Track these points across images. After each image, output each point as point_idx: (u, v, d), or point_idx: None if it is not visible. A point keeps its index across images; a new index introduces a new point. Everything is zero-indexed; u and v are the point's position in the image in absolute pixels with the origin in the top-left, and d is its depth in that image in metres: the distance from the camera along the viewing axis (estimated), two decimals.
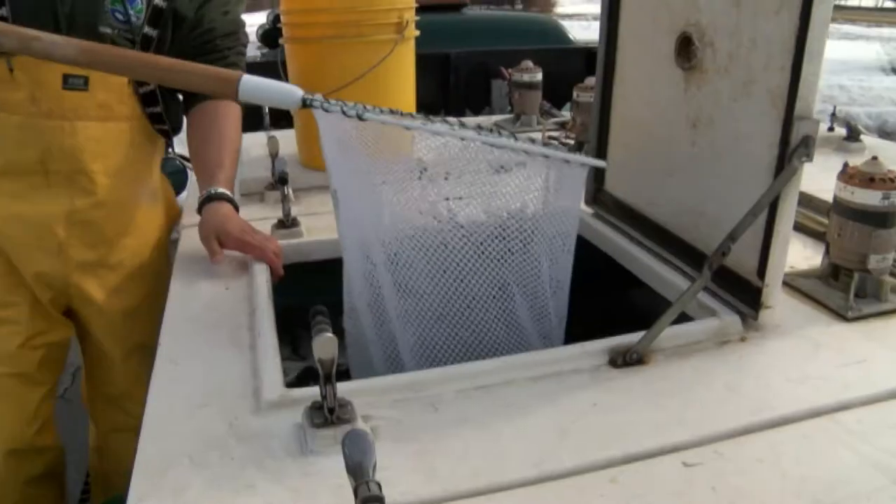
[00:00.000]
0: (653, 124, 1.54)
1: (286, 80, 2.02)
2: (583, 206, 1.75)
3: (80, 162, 1.55)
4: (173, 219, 1.87)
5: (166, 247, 1.82)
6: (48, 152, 1.53)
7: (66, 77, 1.51)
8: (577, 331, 1.33)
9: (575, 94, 2.21)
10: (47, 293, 1.64)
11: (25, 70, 1.48)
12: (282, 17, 2.00)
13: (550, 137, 2.37)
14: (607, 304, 1.67)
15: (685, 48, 1.41)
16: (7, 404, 1.63)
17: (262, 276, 1.40)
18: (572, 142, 2.24)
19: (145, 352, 1.70)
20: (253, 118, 2.31)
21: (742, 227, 1.19)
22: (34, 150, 1.52)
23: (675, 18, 1.43)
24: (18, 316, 1.62)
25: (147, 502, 0.87)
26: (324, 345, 0.88)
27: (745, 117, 1.28)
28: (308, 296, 1.31)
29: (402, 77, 2.00)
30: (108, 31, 1.53)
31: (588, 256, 1.65)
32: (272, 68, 3.33)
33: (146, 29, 1.58)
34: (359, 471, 0.68)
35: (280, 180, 1.58)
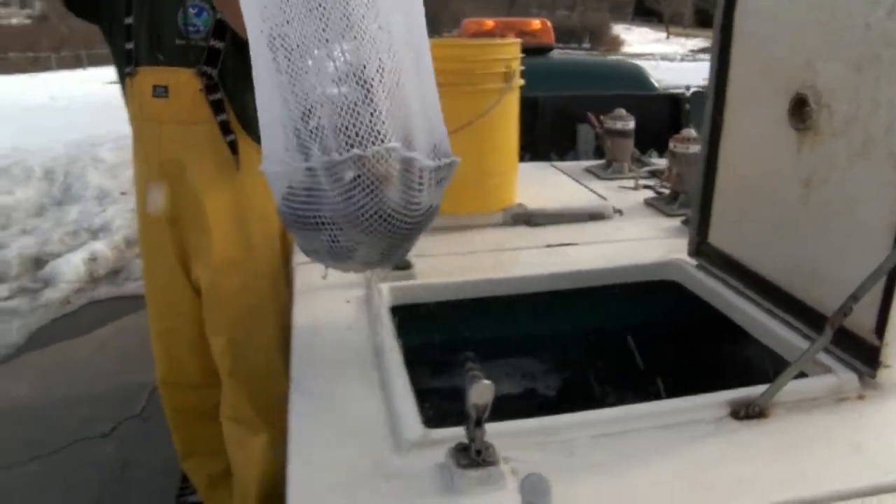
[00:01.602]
0: (762, 181, 1.59)
1: None
2: (686, 257, 1.80)
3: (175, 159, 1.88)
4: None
5: (273, 252, 2.00)
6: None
7: (154, 87, 1.84)
8: (684, 381, 1.38)
9: (672, 145, 2.26)
10: None
11: (133, 84, 1.84)
12: None
13: (645, 186, 2.43)
14: (712, 356, 1.71)
15: (799, 109, 1.45)
16: None
17: (385, 317, 1.47)
18: (667, 191, 2.29)
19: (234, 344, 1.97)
20: None
21: (864, 289, 1.22)
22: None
23: (789, 79, 1.48)
24: None
25: None
26: (481, 391, 0.94)
27: (863, 179, 1.31)
28: (420, 336, 1.39)
29: (507, 123, 2.07)
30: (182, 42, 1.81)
31: (692, 308, 1.69)
32: None
33: (212, 41, 1.81)
34: None
35: None
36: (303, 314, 1.53)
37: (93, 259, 5.49)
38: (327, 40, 1.01)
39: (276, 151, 1.10)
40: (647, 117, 2.98)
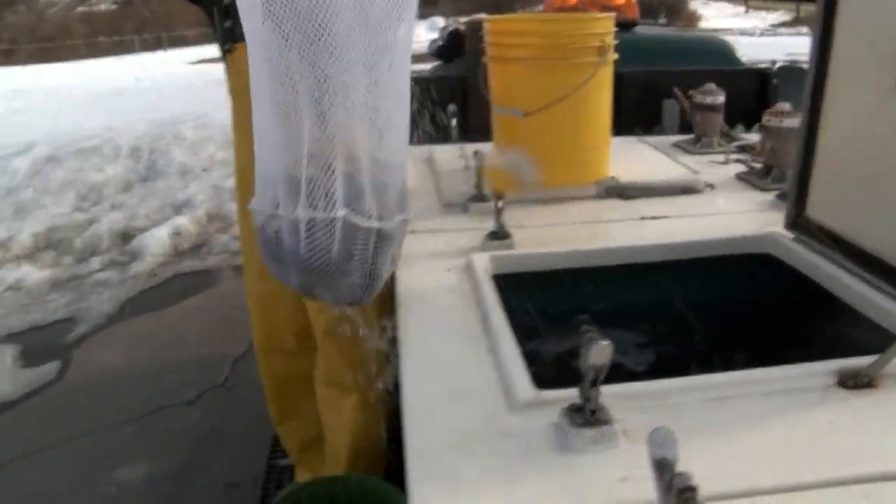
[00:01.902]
0: (868, 153, 1.57)
1: (487, 95, 2.15)
2: (782, 230, 1.79)
3: None
4: None
5: None
6: None
7: None
8: (779, 356, 1.38)
9: (765, 118, 2.24)
10: None
11: (233, 60, 1.96)
12: (487, 37, 2.12)
13: (736, 161, 2.41)
14: (808, 331, 1.70)
15: None
16: None
17: (488, 284, 1.50)
18: (759, 165, 2.27)
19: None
20: (441, 131, 2.45)
21: None
22: None
23: None
24: None
25: (428, 485, 0.98)
26: (600, 351, 0.97)
27: None
28: (518, 304, 1.42)
29: (601, 97, 2.08)
30: None
31: (788, 282, 1.69)
32: (444, 82, 3.48)
33: None
34: (666, 464, 0.77)
35: (497, 193, 1.69)
36: (405, 281, 1.58)
37: (177, 233, 5.66)
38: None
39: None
40: (734, 93, 2.93)
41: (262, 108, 1.18)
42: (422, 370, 1.26)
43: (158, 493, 3.05)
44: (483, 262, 1.61)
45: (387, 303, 2.08)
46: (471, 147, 2.26)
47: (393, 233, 1.21)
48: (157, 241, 5.51)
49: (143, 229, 5.72)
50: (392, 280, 1.66)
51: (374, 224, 1.17)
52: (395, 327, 2.22)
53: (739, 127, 3.04)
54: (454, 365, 1.27)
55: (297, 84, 1.11)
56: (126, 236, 5.69)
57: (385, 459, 2.32)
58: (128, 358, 4.18)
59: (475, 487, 0.98)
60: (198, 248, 5.65)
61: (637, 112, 3.38)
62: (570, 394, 1.10)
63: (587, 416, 1.05)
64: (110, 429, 3.55)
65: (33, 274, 5.18)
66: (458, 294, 1.52)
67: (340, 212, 1.12)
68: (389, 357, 2.28)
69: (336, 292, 1.23)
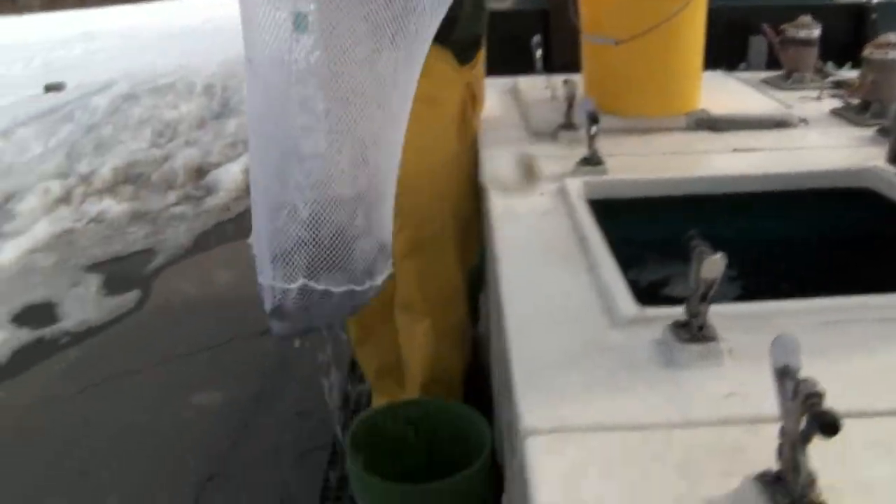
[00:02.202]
0: None
1: (578, 24, 2.11)
2: (884, 164, 1.73)
3: None
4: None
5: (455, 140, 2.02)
6: None
7: None
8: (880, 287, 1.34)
9: (868, 51, 2.15)
10: None
11: None
12: None
13: (831, 96, 2.33)
14: None
15: None
16: None
17: (584, 206, 1.49)
18: (856, 101, 2.19)
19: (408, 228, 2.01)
20: (525, 62, 2.42)
21: None
22: None
23: None
24: None
25: (534, 395, 0.99)
26: (712, 265, 0.96)
27: None
28: (610, 231, 1.40)
29: (693, 27, 2.02)
30: None
31: (888, 216, 1.64)
32: (527, 15, 3.42)
33: None
34: (789, 371, 0.75)
35: (591, 119, 1.66)
36: (498, 203, 1.57)
37: (248, 170, 5.73)
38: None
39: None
40: (826, 29, 2.82)
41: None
42: (520, 289, 1.26)
43: (233, 419, 3.15)
44: (576, 187, 1.60)
45: (470, 228, 2.10)
46: (557, 78, 2.23)
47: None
48: (230, 176, 5.60)
49: (217, 165, 5.81)
50: (483, 200, 1.66)
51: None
52: (478, 256, 2.24)
53: (830, 64, 2.93)
54: (553, 284, 1.27)
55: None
56: (200, 171, 5.78)
57: (461, 387, 2.35)
58: (203, 288, 4.28)
59: (580, 398, 0.98)
60: None
61: (722, 48, 3.28)
62: (673, 311, 1.09)
63: (693, 331, 1.04)
64: (186, 357, 3.66)
65: (114, 207, 5.32)
66: (552, 216, 1.51)
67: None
68: (470, 284, 2.30)
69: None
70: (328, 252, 1.19)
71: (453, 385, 2.30)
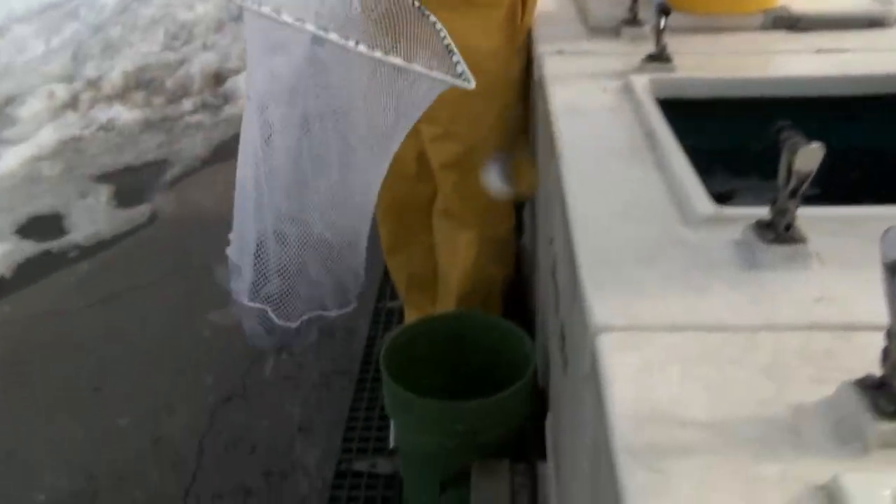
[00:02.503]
0: None
1: None
2: None
3: None
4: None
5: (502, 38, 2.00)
6: None
7: None
8: None
9: None
10: None
11: None
12: None
13: None
14: None
15: None
16: None
17: (652, 103, 1.46)
18: None
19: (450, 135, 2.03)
20: None
21: None
22: None
23: None
24: None
25: (605, 290, 0.98)
26: (808, 156, 0.93)
27: None
28: (681, 137, 1.37)
29: None
30: None
31: None
32: None
33: None
34: None
35: (662, 10, 1.62)
36: (559, 99, 1.55)
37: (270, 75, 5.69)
38: None
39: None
40: None
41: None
42: (585, 184, 1.25)
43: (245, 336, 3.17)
44: (643, 84, 1.56)
45: (520, 135, 2.08)
46: None
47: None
48: None
49: (236, 71, 5.76)
50: (539, 99, 1.63)
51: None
52: (522, 162, 2.22)
53: None
54: (619, 180, 1.25)
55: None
56: (218, 78, 5.74)
57: (501, 301, 2.35)
58: (220, 201, 4.28)
59: (654, 295, 0.97)
60: None
61: None
62: (754, 212, 1.07)
63: (779, 231, 1.02)
64: (203, 271, 3.68)
65: (124, 114, 5.31)
66: (616, 113, 1.49)
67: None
68: (514, 197, 2.29)
69: None
70: (307, 287, 1.40)
71: (493, 299, 2.31)
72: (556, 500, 1.61)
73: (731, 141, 1.67)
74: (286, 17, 1.14)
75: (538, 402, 1.92)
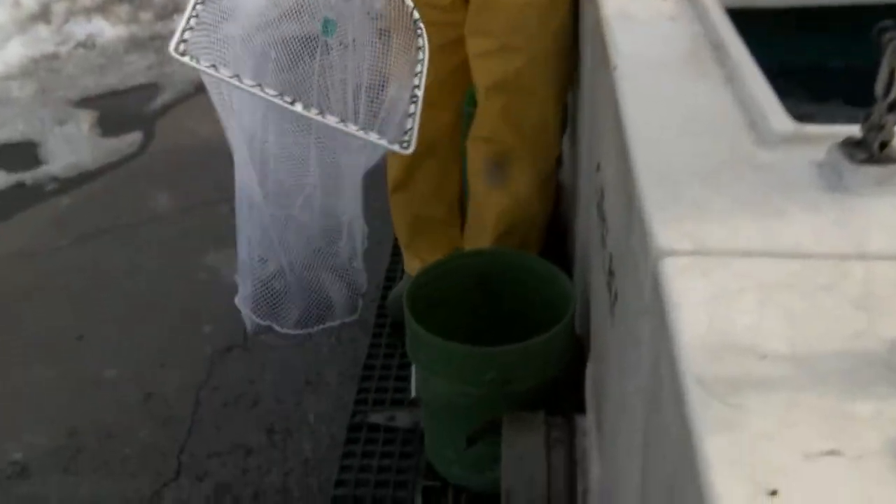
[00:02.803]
0: None
1: None
2: None
3: None
4: None
5: None
6: None
7: None
8: None
9: None
10: None
11: None
12: None
13: None
14: None
15: None
16: None
17: (719, 11, 1.44)
18: None
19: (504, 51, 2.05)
20: None
21: None
22: None
23: None
24: None
25: (668, 211, 0.97)
26: None
27: None
28: (753, 52, 1.35)
29: None
30: None
31: None
32: None
33: None
34: None
35: None
36: (612, 5, 1.53)
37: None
38: None
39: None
40: None
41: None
42: (643, 98, 1.23)
43: None
44: None
45: (569, 55, 2.07)
46: None
47: None
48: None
49: None
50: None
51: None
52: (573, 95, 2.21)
53: None
54: (681, 95, 1.24)
55: None
56: None
57: (541, 239, 2.35)
58: (216, 131, 4.22)
59: (723, 218, 0.96)
60: None
61: None
62: (841, 130, 1.05)
63: (872, 150, 1.00)
64: (199, 209, 3.69)
65: (106, 30, 5.26)
66: (677, 22, 1.47)
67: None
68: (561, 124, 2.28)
69: None
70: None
71: (533, 237, 2.30)
72: (597, 456, 1.62)
73: (809, 58, 1.64)
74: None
75: (576, 351, 1.93)
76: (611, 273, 1.37)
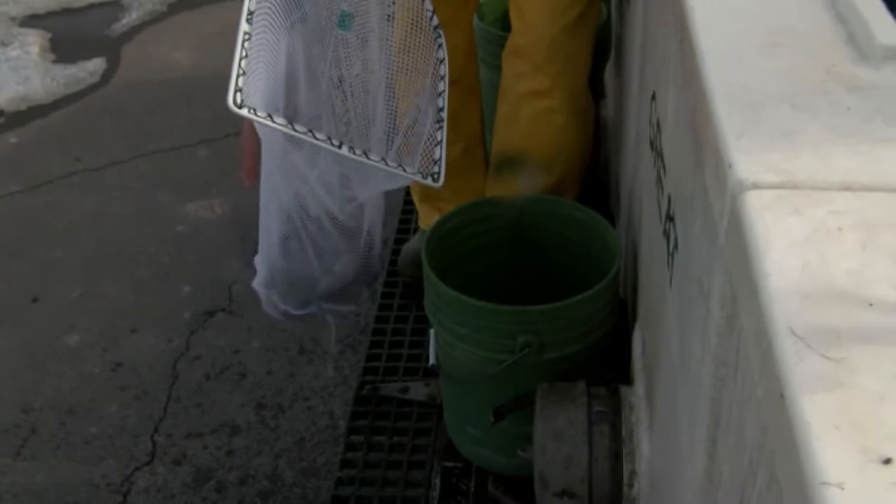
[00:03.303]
0: None
1: None
2: None
3: None
4: None
5: None
6: None
7: None
8: None
9: None
10: None
11: None
12: None
13: None
14: None
15: None
16: None
17: None
18: None
19: None
20: None
21: None
22: None
23: None
24: None
25: (749, 139, 0.96)
26: None
27: None
28: None
29: None
30: None
31: None
32: None
33: None
34: None
35: None
36: None
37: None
38: None
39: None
40: None
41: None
42: (718, 9, 1.22)
43: (242, 236, 3.16)
44: None
45: None
46: None
47: None
48: None
49: None
50: None
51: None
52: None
53: None
54: (765, 3, 1.23)
55: None
56: None
57: (578, 184, 2.34)
58: (191, 58, 4.25)
59: (817, 148, 0.95)
60: None
61: None
62: None
63: None
64: (172, 152, 3.67)
65: None
66: None
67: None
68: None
69: None
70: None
71: (569, 181, 2.29)
72: (647, 433, 1.62)
73: None
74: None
75: (621, 313, 1.93)
76: (669, 218, 1.36)
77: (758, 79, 1.07)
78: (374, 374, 2.44)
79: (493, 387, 1.85)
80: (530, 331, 1.77)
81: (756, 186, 0.90)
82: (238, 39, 1.58)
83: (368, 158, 1.67)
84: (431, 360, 2.00)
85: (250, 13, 1.61)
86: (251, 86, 1.56)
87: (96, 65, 4.22)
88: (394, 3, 1.76)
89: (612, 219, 2.23)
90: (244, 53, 1.57)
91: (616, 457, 1.68)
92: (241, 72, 1.54)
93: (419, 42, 1.79)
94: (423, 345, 2.32)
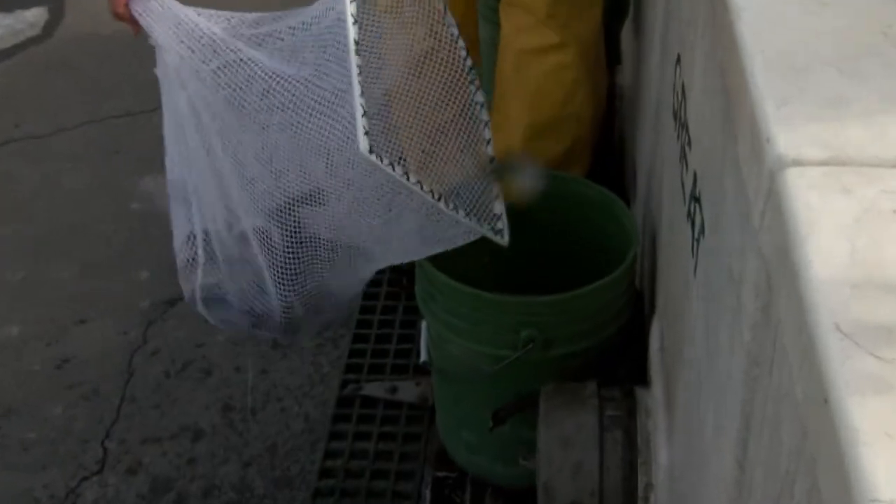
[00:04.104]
0: None
1: None
2: None
3: None
4: None
5: None
6: None
7: None
8: None
9: None
10: None
11: None
12: None
13: None
14: None
15: None
16: None
17: None
18: None
19: None
20: None
21: None
22: None
23: None
24: None
25: (791, 108, 0.96)
26: None
27: None
28: None
29: None
30: None
31: None
32: None
33: None
34: None
35: None
36: None
37: None
38: None
39: None
40: None
41: None
42: None
43: None
44: None
45: None
46: None
47: None
48: None
49: None
50: None
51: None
52: None
53: None
54: None
55: None
56: None
57: (589, 155, 2.34)
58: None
59: (870, 118, 0.96)
60: None
61: None
62: None
63: None
64: (129, 116, 3.65)
65: None
66: None
67: None
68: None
69: None
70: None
71: (578, 149, 2.29)
72: (665, 440, 1.63)
73: None
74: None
75: (637, 306, 1.93)
76: (694, 199, 1.36)
77: (801, 40, 1.07)
78: (358, 371, 2.45)
79: (491, 387, 1.86)
80: (535, 324, 1.77)
81: (798, 163, 0.90)
82: (353, 76, 1.56)
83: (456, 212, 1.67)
84: (423, 357, 2.01)
85: (357, 43, 1.59)
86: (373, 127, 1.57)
87: (37, 15, 4.17)
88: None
89: (627, 199, 2.23)
90: (360, 90, 1.56)
91: (630, 466, 1.68)
92: (363, 111, 1.54)
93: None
94: (414, 339, 2.32)
